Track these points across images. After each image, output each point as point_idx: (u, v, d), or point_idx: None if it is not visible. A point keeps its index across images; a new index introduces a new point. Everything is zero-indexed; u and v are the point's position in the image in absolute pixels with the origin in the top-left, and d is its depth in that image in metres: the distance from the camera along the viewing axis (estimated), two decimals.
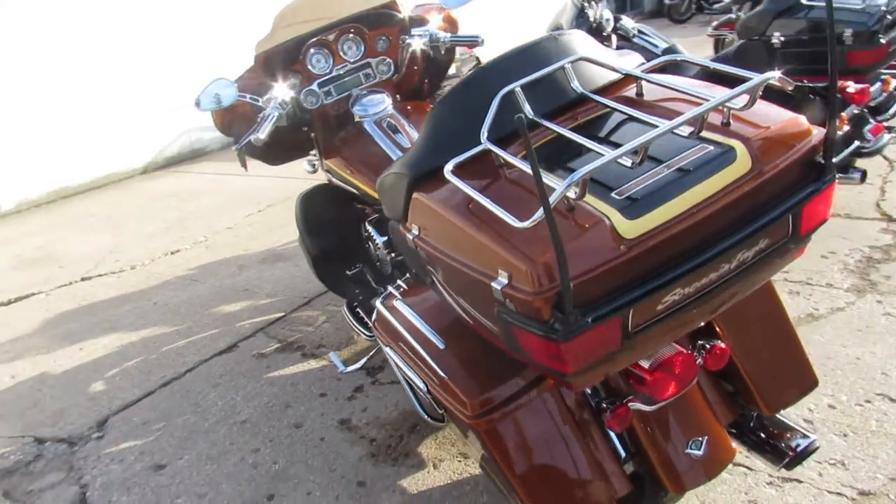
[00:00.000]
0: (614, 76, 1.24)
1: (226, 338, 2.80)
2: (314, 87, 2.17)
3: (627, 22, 3.56)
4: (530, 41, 1.27)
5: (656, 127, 0.96)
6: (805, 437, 1.42)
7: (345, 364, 2.15)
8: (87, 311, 3.31)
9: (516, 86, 1.17)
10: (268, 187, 4.84)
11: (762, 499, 1.65)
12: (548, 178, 1.00)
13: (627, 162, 1.03)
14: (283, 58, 2.17)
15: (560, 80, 1.22)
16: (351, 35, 2.23)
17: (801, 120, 1.06)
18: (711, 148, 1.02)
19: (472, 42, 2.26)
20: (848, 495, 1.62)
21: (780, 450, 1.42)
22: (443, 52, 2.30)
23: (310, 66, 2.21)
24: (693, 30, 8.64)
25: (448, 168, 1.12)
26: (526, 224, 0.93)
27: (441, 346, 1.32)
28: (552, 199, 0.88)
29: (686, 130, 1.06)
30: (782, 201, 1.03)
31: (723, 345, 1.30)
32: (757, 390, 1.40)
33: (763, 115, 1.06)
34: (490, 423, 1.24)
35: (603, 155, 0.92)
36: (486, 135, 1.14)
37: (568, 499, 1.26)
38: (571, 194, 0.94)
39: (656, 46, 3.45)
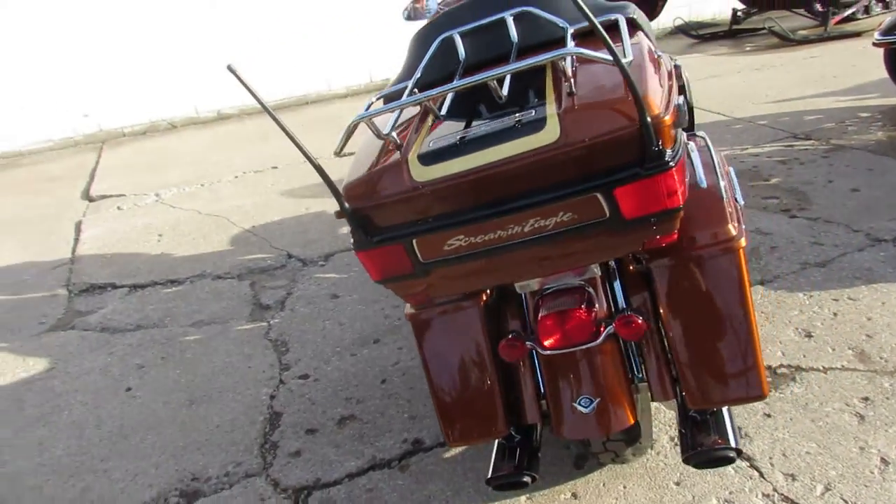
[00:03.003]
0: (556, 33, 1.25)
1: None
2: None
3: None
4: None
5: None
6: (723, 445, 1.30)
7: None
8: None
9: (454, 32, 1.29)
10: None
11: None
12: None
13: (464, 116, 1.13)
14: None
15: (501, 32, 1.29)
16: None
17: (631, 104, 0.99)
18: (532, 113, 1.05)
19: None
20: None
21: (689, 442, 1.34)
22: None
23: None
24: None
25: (372, 98, 1.34)
26: (335, 155, 1.15)
27: None
28: (340, 139, 1.09)
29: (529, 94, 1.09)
30: (585, 180, 1.02)
31: (640, 320, 1.29)
32: (683, 379, 1.33)
33: (603, 92, 1.02)
34: (416, 317, 1.48)
35: (441, 115, 1.07)
36: (419, 73, 1.31)
37: (466, 403, 1.45)
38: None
39: None
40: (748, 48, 6.20)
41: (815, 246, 2.56)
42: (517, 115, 1.08)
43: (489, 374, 1.43)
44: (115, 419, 2.16)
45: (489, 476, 1.42)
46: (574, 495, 1.63)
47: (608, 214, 1.05)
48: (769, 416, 1.78)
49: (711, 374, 1.31)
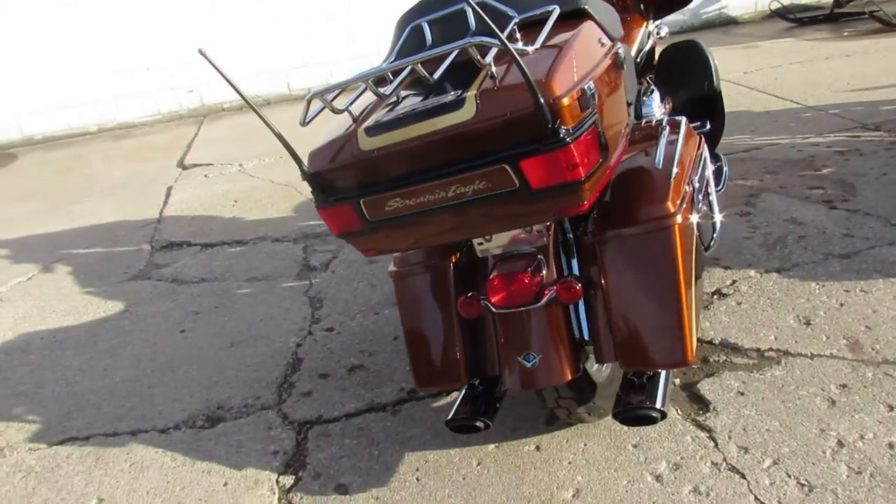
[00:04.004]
0: (512, 22, 1.37)
1: None
2: None
3: None
4: None
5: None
6: (648, 406, 1.40)
7: None
8: None
9: (423, 20, 1.45)
10: None
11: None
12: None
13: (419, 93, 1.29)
14: None
15: (464, 21, 1.43)
16: None
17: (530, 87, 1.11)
18: (458, 93, 1.20)
19: None
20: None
21: (621, 400, 1.45)
22: None
23: None
24: None
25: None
26: (301, 125, 1.34)
27: None
28: (308, 115, 1.29)
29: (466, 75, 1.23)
30: (495, 153, 1.16)
31: (578, 286, 1.41)
32: (615, 341, 1.44)
33: (516, 76, 1.16)
34: (396, 273, 1.66)
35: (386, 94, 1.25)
36: (392, 58, 1.49)
37: (433, 353, 1.62)
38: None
39: None
40: (846, 33, 5.89)
41: (844, 238, 2.53)
42: (450, 95, 1.23)
43: (454, 328, 1.59)
44: (166, 355, 2.49)
45: (447, 418, 1.59)
46: (538, 447, 1.77)
47: (518, 185, 1.19)
48: (742, 394, 1.84)
49: (639, 340, 1.42)
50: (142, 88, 6.44)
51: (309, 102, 1.29)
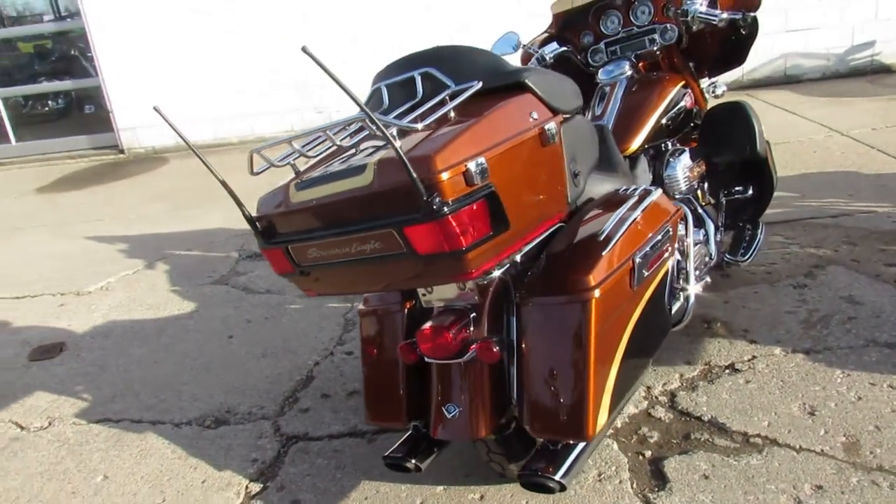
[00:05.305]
0: (448, 90, 1.44)
1: None
2: (601, 46, 2.52)
3: None
4: (431, 47, 1.57)
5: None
6: (548, 475, 1.40)
7: None
8: None
9: (382, 84, 1.57)
10: None
11: None
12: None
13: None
14: (576, 18, 2.54)
15: (413, 87, 1.52)
16: (641, 0, 2.41)
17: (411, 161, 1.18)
18: (362, 158, 1.31)
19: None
20: None
21: (529, 462, 1.46)
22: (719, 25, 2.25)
23: (602, 27, 2.54)
24: None
25: None
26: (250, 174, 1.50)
27: None
28: (259, 167, 1.45)
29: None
30: (386, 218, 1.24)
31: (496, 348, 1.46)
32: (527, 406, 1.46)
33: (405, 150, 1.24)
34: (361, 312, 1.78)
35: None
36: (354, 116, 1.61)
37: (380, 392, 1.72)
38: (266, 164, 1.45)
39: None
40: None
41: None
42: (360, 160, 1.34)
43: (399, 371, 1.68)
44: (209, 356, 2.77)
45: (385, 453, 1.68)
46: (482, 497, 1.81)
47: (405, 249, 1.26)
48: (707, 477, 1.76)
49: (546, 408, 1.44)
50: (279, 107, 7.05)
51: (251, 156, 1.45)
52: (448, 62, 1.50)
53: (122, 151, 7.22)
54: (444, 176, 1.19)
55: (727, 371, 2.20)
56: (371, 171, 1.27)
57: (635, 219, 1.58)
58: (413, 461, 1.64)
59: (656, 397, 2.12)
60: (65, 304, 3.51)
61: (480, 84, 1.40)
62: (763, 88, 6.62)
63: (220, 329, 3.01)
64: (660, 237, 1.63)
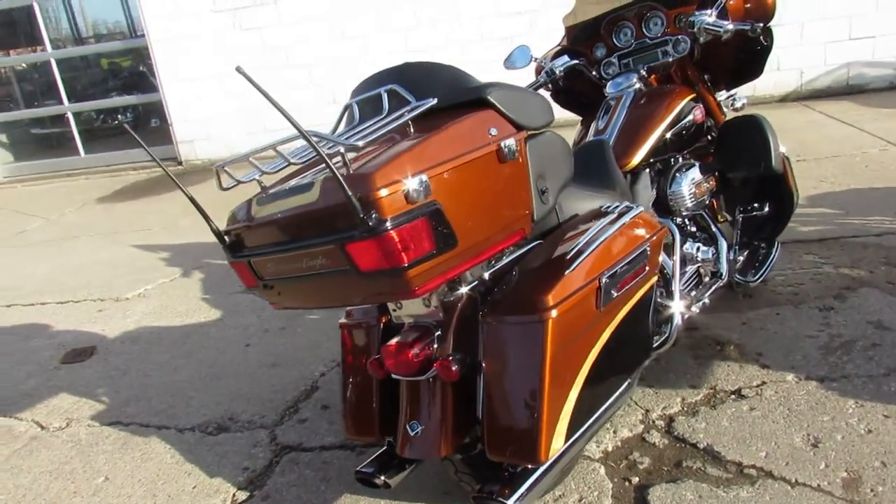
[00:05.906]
0: (408, 106, 1.44)
1: None
2: (613, 58, 2.48)
3: None
4: (400, 64, 1.57)
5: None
6: (501, 499, 1.37)
7: None
8: None
9: (353, 101, 1.58)
10: None
11: None
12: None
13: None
14: (588, 31, 2.51)
15: (380, 103, 1.52)
16: (653, 12, 2.37)
17: (350, 179, 1.18)
18: (313, 178, 1.32)
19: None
20: None
21: (485, 482, 1.43)
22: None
23: (614, 39, 2.50)
24: None
25: None
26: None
27: None
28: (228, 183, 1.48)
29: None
30: (327, 234, 1.25)
31: (454, 366, 1.44)
32: (485, 427, 1.43)
33: (361, 165, 1.24)
34: (342, 326, 1.79)
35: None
36: (332, 130, 1.63)
37: (356, 406, 1.72)
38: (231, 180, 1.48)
39: None
40: None
41: None
42: (309, 178, 1.35)
43: (372, 385, 1.68)
44: (223, 364, 2.84)
45: (357, 468, 1.68)
46: None
47: (348, 266, 1.26)
48: None
49: (501, 430, 1.41)
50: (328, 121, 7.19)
51: (217, 172, 1.49)
52: (412, 79, 1.50)
53: (180, 163, 7.52)
54: (383, 193, 1.19)
55: (732, 397, 2.10)
56: (317, 189, 1.28)
57: (608, 237, 1.54)
58: (382, 477, 1.63)
59: (653, 421, 2.04)
60: (103, 310, 3.68)
61: (435, 101, 1.39)
62: (823, 99, 6.34)
63: (239, 337, 3.08)
64: (634, 256, 1.57)
